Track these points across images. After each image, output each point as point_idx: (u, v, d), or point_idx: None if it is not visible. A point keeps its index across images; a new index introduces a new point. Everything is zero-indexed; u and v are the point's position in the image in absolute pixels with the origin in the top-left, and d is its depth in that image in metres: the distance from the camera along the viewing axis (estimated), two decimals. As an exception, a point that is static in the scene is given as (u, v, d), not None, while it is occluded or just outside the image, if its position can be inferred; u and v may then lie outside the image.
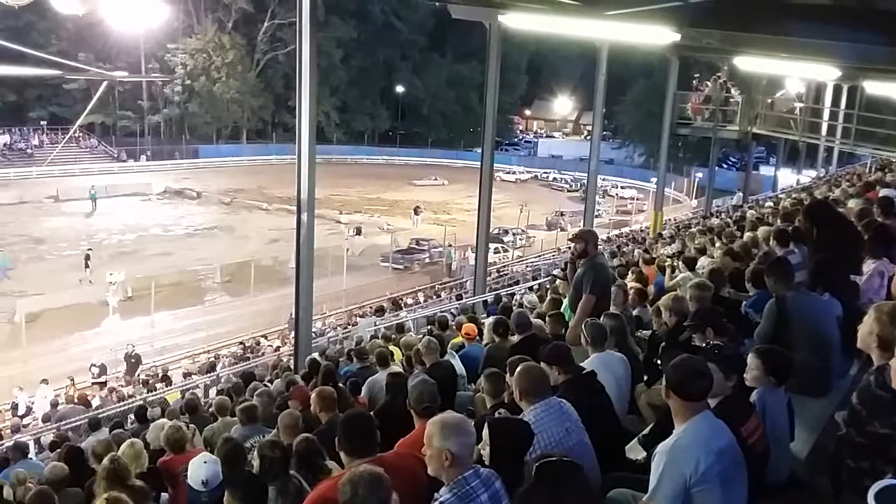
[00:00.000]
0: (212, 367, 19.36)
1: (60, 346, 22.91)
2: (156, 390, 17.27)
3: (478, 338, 9.21)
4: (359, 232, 40.04)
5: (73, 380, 18.98)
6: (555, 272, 21.31)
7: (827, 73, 20.45)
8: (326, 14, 57.55)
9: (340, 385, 7.94)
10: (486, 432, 3.61)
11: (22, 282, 29.61)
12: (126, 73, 54.85)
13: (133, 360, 20.44)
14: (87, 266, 30.61)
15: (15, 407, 17.47)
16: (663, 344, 5.92)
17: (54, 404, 16.30)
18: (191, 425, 8.07)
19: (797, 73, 24.90)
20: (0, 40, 17.77)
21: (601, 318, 6.06)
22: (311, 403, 6.46)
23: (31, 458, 10.24)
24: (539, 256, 35.35)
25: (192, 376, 18.93)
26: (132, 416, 12.09)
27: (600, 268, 7.56)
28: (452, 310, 18.15)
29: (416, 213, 44.73)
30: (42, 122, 59.35)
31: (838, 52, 15.03)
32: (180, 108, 64.05)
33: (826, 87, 29.17)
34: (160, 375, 19.15)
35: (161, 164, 59.23)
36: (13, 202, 44.67)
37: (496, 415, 4.62)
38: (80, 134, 59.07)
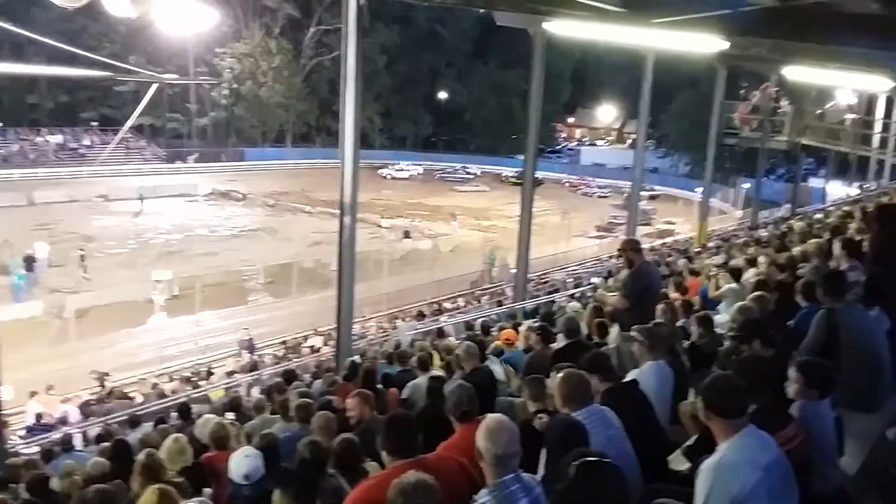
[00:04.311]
0: (254, 367, 19.59)
1: (108, 343, 23.37)
2: (199, 387, 17.55)
3: (517, 343, 9.22)
4: (407, 235, 40.29)
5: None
6: (594, 280, 21.22)
7: (879, 83, 20.01)
8: (371, 20, 57.94)
9: (379, 386, 7.99)
10: None
11: (71, 278, 30.30)
12: (175, 76, 55.97)
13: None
14: (82, 266, 31.15)
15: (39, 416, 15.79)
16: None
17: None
18: (235, 423, 8.20)
19: (849, 84, 24.39)
20: (54, 42, 18.29)
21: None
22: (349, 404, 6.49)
23: (77, 450, 10.49)
24: (580, 264, 35.07)
25: (235, 375, 19.17)
26: (175, 413, 12.28)
27: (641, 274, 7.54)
28: (493, 315, 18.11)
29: (453, 219, 44.78)
30: (93, 124, 60.87)
31: (891, 63, 14.72)
32: (227, 112, 65.15)
33: (878, 99, 28.53)
34: (204, 373, 19.44)
35: (208, 166, 60.22)
36: (65, 201, 45.69)
37: (537, 419, 4.62)
38: (130, 135, 60.33)
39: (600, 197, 59.20)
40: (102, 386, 18.59)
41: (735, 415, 3.43)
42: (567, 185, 62.67)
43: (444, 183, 62.34)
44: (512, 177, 61.00)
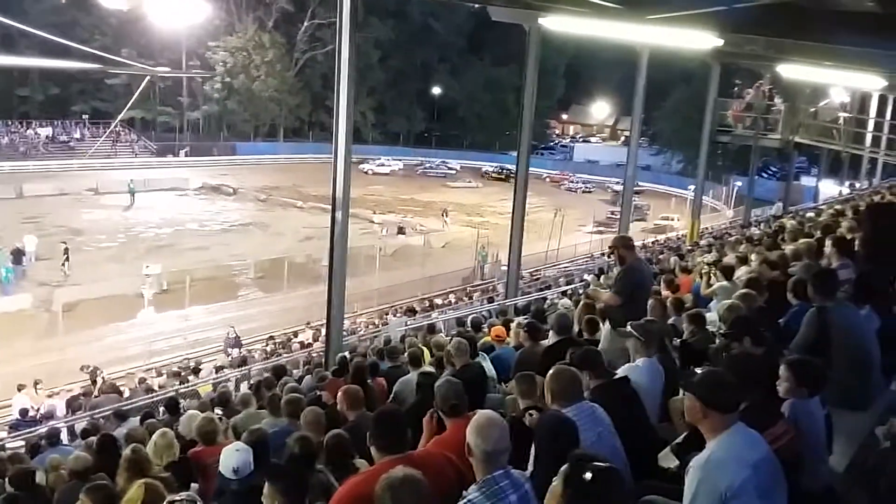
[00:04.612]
0: (243, 362, 19.49)
1: (96, 336, 23.26)
2: (187, 382, 17.45)
3: (507, 340, 9.18)
4: (401, 231, 40.27)
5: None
6: (587, 277, 21.19)
7: (873, 82, 20.07)
8: (366, 14, 57.92)
9: (369, 382, 7.95)
10: None
11: (59, 271, 30.12)
12: (167, 69, 55.72)
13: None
14: (65, 259, 30.66)
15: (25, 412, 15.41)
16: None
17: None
18: (223, 418, 8.14)
19: (842, 82, 24.43)
20: (46, 34, 18.17)
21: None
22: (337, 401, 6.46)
23: (64, 445, 10.41)
24: (572, 261, 35.10)
25: (224, 370, 19.07)
26: (162, 408, 12.19)
27: (632, 271, 7.52)
28: (484, 312, 18.07)
29: (444, 215, 44.81)
30: (84, 116, 60.52)
31: (885, 61, 14.75)
32: (219, 105, 64.96)
33: (871, 97, 28.61)
34: (192, 368, 19.31)
35: (199, 160, 59.93)
36: (54, 194, 45.46)
37: (527, 415, 4.59)
38: (121, 128, 60.03)
39: (584, 192, 59.55)
40: (94, 381, 18.45)
41: (731, 408, 3.43)
42: (548, 180, 62.68)
43: (428, 178, 62.34)
44: (492, 172, 61.57)
